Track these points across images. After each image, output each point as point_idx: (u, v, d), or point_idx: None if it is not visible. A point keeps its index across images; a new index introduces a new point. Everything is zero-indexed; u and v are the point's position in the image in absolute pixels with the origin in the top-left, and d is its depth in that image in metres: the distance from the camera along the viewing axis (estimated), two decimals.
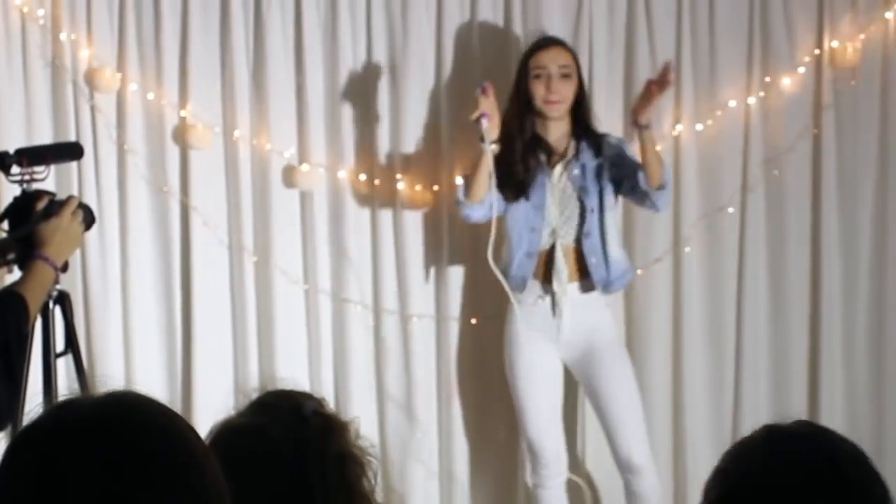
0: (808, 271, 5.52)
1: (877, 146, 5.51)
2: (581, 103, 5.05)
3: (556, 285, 4.95)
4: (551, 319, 4.98)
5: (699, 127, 5.44)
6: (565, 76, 5.00)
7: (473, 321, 5.45)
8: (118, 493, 1.37)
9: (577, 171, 4.99)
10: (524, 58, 5.06)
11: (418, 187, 5.41)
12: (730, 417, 5.53)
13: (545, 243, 4.99)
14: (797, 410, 5.48)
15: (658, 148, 4.98)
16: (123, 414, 1.43)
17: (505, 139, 4.93)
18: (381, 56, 5.39)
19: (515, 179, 4.96)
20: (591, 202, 4.97)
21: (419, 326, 5.45)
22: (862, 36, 5.45)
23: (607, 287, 4.99)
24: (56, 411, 1.43)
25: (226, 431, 2.22)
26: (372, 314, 5.45)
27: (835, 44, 5.44)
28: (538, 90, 4.98)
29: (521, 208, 4.99)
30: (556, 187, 4.99)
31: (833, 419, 5.44)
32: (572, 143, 5.02)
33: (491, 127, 4.87)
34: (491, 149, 4.88)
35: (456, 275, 5.46)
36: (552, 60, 5.00)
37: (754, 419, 5.35)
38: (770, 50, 5.45)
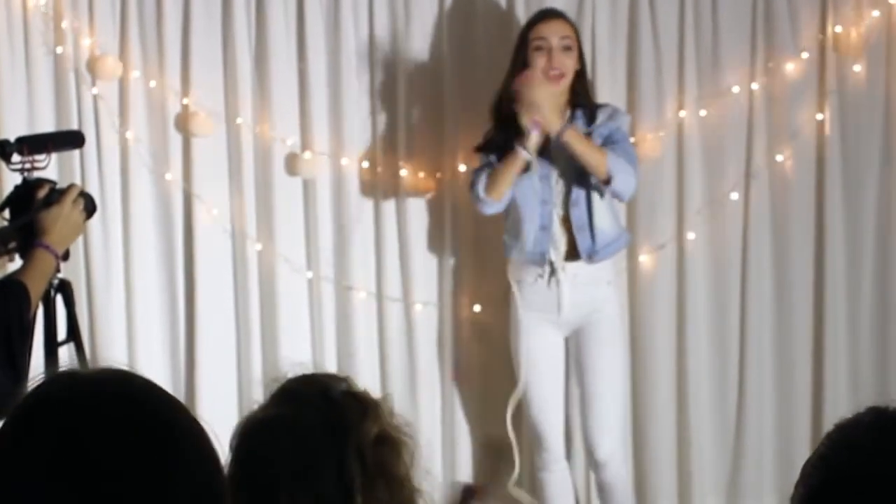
0: (812, 258, 5.51)
1: (881, 132, 5.50)
2: (581, 76, 5.00)
3: (553, 257, 4.92)
4: (552, 294, 4.94)
5: (703, 113, 5.43)
6: (566, 48, 4.94)
7: (477, 308, 5.44)
8: (142, 458, 1.37)
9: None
10: (524, 29, 5.00)
11: (421, 174, 5.40)
12: (734, 405, 5.52)
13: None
14: (801, 398, 5.48)
15: (580, 146, 4.80)
16: (129, 383, 1.43)
17: (506, 112, 4.87)
18: (383, 43, 5.38)
19: (509, 143, 4.86)
20: (579, 171, 4.87)
21: (422, 314, 5.44)
22: (866, 21, 5.44)
23: (591, 256, 4.90)
24: (63, 381, 1.42)
25: (253, 427, 2.14)
26: (375, 301, 5.44)
27: (839, 29, 5.42)
28: (539, 62, 4.90)
29: (527, 182, 4.91)
30: (556, 159, 4.92)
31: (836, 406, 5.43)
32: (568, 113, 4.96)
33: (536, 140, 4.79)
34: (529, 157, 4.81)
35: (459, 262, 5.45)
36: (554, 32, 4.94)
37: (758, 407, 5.43)
38: (774, 35, 5.43)
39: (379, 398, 2.19)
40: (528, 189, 4.91)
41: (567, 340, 5.04)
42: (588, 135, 4.89)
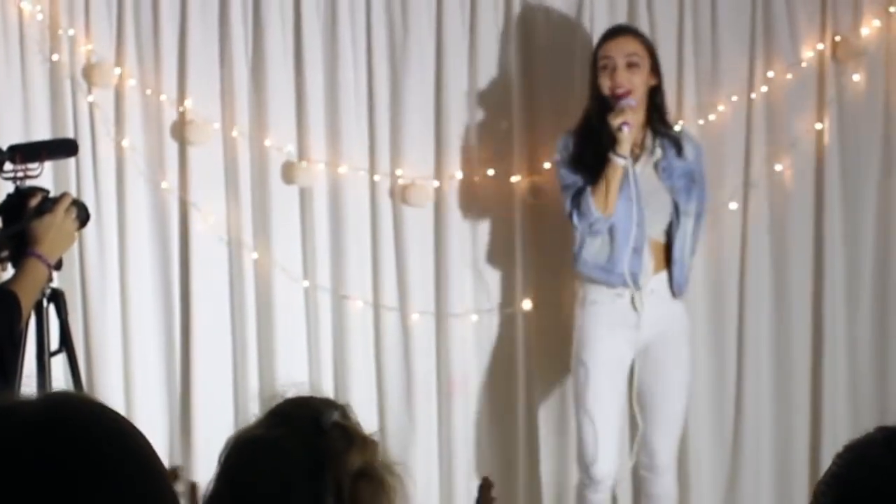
0: (811, 267, 5.49)
1: (880, 141, 5.48)
2: (656, 93, 4.95)
3: (642, 280, 4.88)
4: (631, 313, 4.91)
5: (701, 122, 5.41)
6: (631, 65, 4.88)
7: (474, 317, 5.42)
8: (61, 498, 1.33)
9: (665, 169, 4.91)
10: (595, 49, 4.98)
11: (418, 183, 5.38)
12: (731, 416, 5.50)
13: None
14: (800, 405, 5.47)
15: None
16: (64, 416, 1.39)
17: (588, 134, 4.85)
18: (381, 50, 5.36)
19: (599, 158, 4.82)
20: (683, 205, 4.91)
21: (419, 323, 5.42)
22: (865, 30, 5.42)
23: (681, 289, 4.96)
24: None
25: (240, 444, 2.14)
26: (372, 311, 5.42)
27: (838, 38, 5.41)
28: (604, 82, 4.87)
29: (623, 204, 4.86)
30: (641, 179, 4.89)
31: (835, 415, 5.42)
32: (650, 135, 4.93)
33: (629, 139, 4.76)
34: (623, 163, 4.78)
35: (456, 271, 5.43)
36: (618, 50, 4.88)
37: (756, 414, 5.41)
38: (773, 44, 5.42)
39: (370, 434, 2.16)
40: (623, 212, 4.86)
41: (636, 359, 5.00)
42: (689, 171, 4.92)
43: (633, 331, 4.91)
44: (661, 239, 4.96)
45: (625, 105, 4.78)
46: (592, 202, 4.82)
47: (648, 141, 4.94)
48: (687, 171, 4.95)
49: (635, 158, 4.91)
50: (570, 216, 4.88)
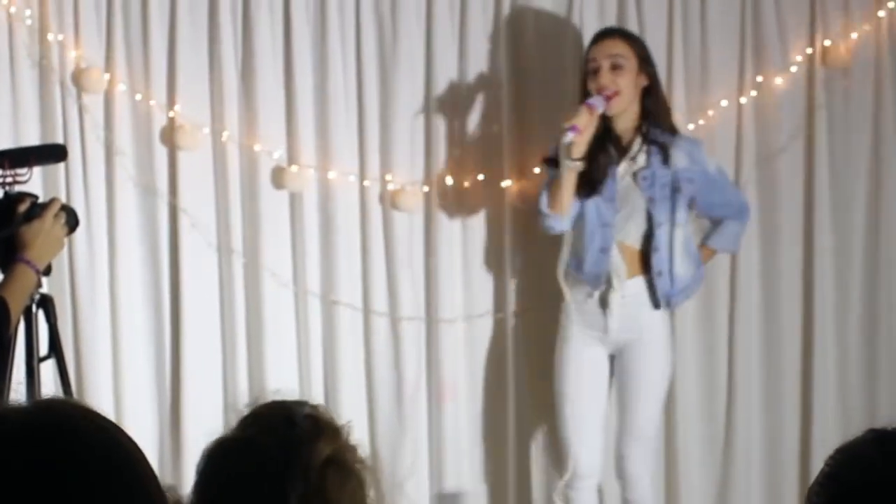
0: (801, 271, 5.49)
1: (869, 146, 5.48)
2: (648, 94, 4.94)
3: (614, 283, 4.89)
4: (600, 317, 4.92)
5: (691, 126, 5.41)
6: (615, 67, 4.88)
7: (463, 322, 5.42)
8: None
9: (645, 178, 4.90)
10: (584, 53, 5.01)
11: (408, 188, 5.38)
12: (722, 417, 5.50)
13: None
14: (790, 410, 5.47)
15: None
16: (55, 423, 1.39)
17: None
18: (370, 55, 5.36)
19: (588, 177, 4.85)
20: (661, 216, 4.89)
21: (409, 328, 5.42)
22: (854, 35, 5.43)
23: (669, 301, 4.94)
24: None
25: (214, 450, 2.15)
26: (362, 316, 5.42)
27: (827, 43, 5.41)
28: (590, 84, 4.88)
29: (592, 203, 4.89)
30: (620, 183, 4.91)
31: (825, 419, 5.43)
32: (638, 140, 4.93)
33: (578, 143, 4.75)
34: (573, 166, 4.78)
35: (446, 276, 5.43)
36: (602, 52, 4.90)
37: (746, 419, 5.41)
38: (762, 49, 5.42)
39: (341, 425, 2.17)
40: (594, 211, 4.89)
41: (612, 359, 5.00)
42: (675, 180, 4.89)
43: (600, 333, 4.92)
44: (636, 245, 4.94)
45: (583, 106, 4.78)
46: (544, 197, 4.88)
47: (636, 146, 4.93)
48: (673, 180, 4.91)
49: (621, 160, 4.91)
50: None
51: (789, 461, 5.46)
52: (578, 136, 4.74)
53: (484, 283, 5.37)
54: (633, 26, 5.37)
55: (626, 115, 4.92)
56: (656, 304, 4.93)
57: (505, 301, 5.39)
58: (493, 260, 5.39)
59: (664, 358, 5.02)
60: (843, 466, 1.69)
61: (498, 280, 5.38)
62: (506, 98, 5.36)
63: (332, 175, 5.35)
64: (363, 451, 2.17)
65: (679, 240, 4.92)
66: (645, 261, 4.93)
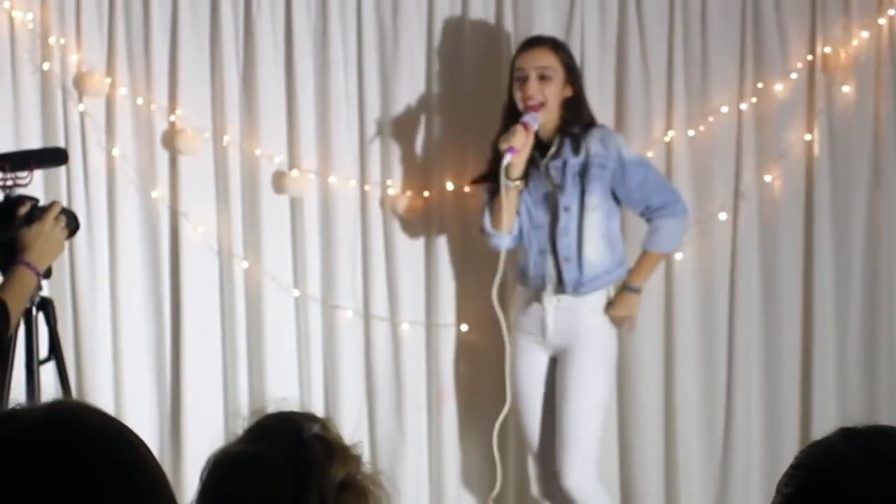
0: (801, 278, 5.50)
1: (870, 152, 5.49)
2: (571, 103, 4.95)
3: (546, 282, 4.92)
4: (538, 320, 4.94)
5: (691, 133, 5.42)
6: (543, 78, 4.91)
7: (464, 327, 5.42)
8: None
9: (556, 167, 4.91)
10: (512, 59, 5.03)
11: (408, 193, 5.39)
12: (721, 423, 5.51)
13: None
14: (789, 414, 5.47)
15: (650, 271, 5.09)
16: (65, 424, 1.40)
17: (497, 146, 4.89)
18: (371, 60, 5.37)
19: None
20: (566, 200, 4.87)
21: (409, 333, 5.42)
22: (855, 42, 5.44)
23: (577, 289, 4.88)
24: None
25: (223, 460, 2.14)
26: (362, 321, 5.42)
27: (827, 49, 5.42)
28: (516, 93, 4.93)
29: (523, 207, 4.93)
30: (540, 183, 4.94)
31: (825, 423, 5.41)
32: (557, 139, 4.94)
33: (516, 163, 4.79)
34: (513, 186, 4.82)
35: (446, 281, 5.43)
36: (530, 62, 4.92)
37: (746, 425, 5.41)
38: (762, 55, 5.43)
39: (351, 444, 2.16)
40: (525, 215, 4.93)
41: (553, 361, 5.01)
42: (583, 165, 4.86)
43: (539, 334, 4.94)
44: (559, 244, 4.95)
45: (519, 126, 4.79)
46: (487, 219, 4.93)
47: (555, 145, 4.93)
48: (583, 164, 4.88)
49: (545, 165, 4.91)
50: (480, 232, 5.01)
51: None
52: (516, 157, 4.79)
53: (484, 288, 5.37)
54: (633, 32, 5.38)
55: (548, 123, 4.93)
56: (563, 291, 4.90)
57: (506, 306, 5.38)
58: (493, 265, 5.39)
59: (601, 368, 4.93)
60: (813, 457, 1.73)
61: (499, 285, 5.38)
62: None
63: (332, 180, 5.36)
64: (371, 468, 2.17)
65: (591, 224, 4.87)
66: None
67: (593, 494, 4.90)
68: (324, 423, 2.16)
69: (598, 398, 4.93)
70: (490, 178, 4.96)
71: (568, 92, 4.96)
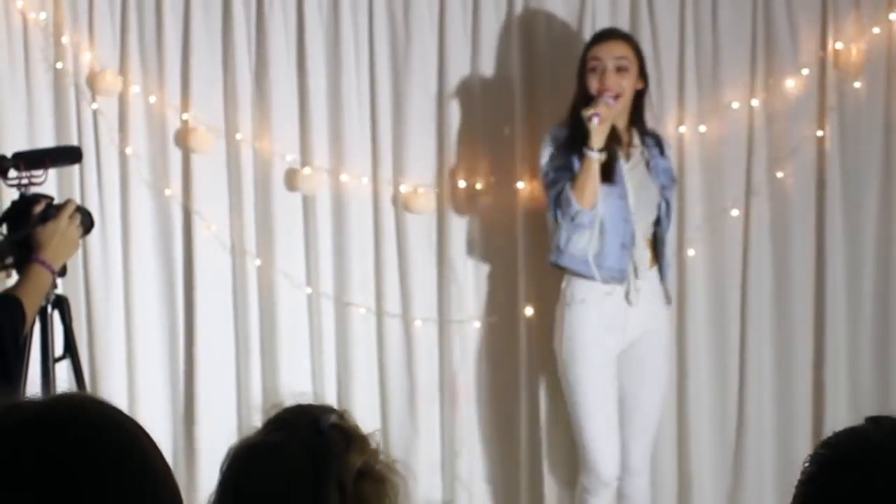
0: (813, 274, 5.50)
1: (881, 148, 5.49)
2: (641, 96, 5.02)
3: (638, 274, 4.95)
4: (621, 311, 4.94)
5: (702, 129, 5.42)
6: (620, 69, 4.94)
7: (477, 324, 5.43)
8: (59, 495, 1.35)
9: (653, 167, 5.01)
10: (584, 51, 5.03)
11: (421, 190, 5.40)
12: (734, 421, 5.51)
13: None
14: (802, 413, 5.47)
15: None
16: (69, 415, 1.41)
17: (573, 130, 4.90)
18: (383, 58, 5.38)
19: (601, 174, 4.87)
20: (668, 197, 5.04)
21: (422, 329, 5.43)
22: (866, 37, 5.43)
23: (668, 289, 5.08)
24: (2, 412, 1.41)
25: (242, 451, 2.17)
26: (375, 317, 5.43)
27: (839, 45, 5.42)
28: (591, 83, 4.93)
29: (609, 199, 4.91)
30: (632, 176, 4.96)
31: (837, 421, 5.41)
32: (636, 134, 5.01)
33: (599, 131, 4.80)
34: (597, 157, 4.83)
35: (459, 277, 5.44)
36: (608, 52, 4.95)
37: (758, 423, 5.41)
38: (774, 52, 5.43)
39: (368, 433, 2.18)
40: (613, 207, 4.91)
41: (620, 356, 5.01)
42: (668, 169, 5.06)
43: (621, 330, 4.95)
44: (650, 236, 5.02)
45: (601, 101, 4.85)
46: (573, 195, 4.86)
47: (636, 140, 5.00)
48: (667, 169, 5.08)
49: (626, 157, 4.98)
50: (554, 212, 4.93)
51: (801, 461, 5.45)
52: (602, 125, 4.80)
53: (497, 284, 5.38)
54: (645, 29, 5.39)
55: (622, 115, 4.99)
56: (668, 299, 5.05)
57: (518, 302, 5.39)
58: (506, 261, 5.40)
59: (669, 355, 5.16)
60: (837, 437, 1.78)
61: (511, 281, 5.39)
62: (518, 100, 5.37)
63: (344, 177, 5.37)
64: (389, 456, 2.19)
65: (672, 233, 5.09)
66: (655, 252, 5.03)
67: (647, 485, 5.11)
68: (341, 414, 2.18)
69: (666, 386, 5.15)
70: (559, 163, 4.94)
71: (640, 84, 5.02)
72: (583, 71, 4.98)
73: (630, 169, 4.98)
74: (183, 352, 5.36)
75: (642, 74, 5.03)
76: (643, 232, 4.99)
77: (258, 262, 5.35)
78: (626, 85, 4.95)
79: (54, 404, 1.41)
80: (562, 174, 4.92)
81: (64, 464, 1.35)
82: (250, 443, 2.17)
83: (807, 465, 1.76)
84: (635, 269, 4.95)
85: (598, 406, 4.94)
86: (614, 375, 5.00)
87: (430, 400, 5.45)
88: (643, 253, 4.98)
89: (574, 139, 4.88)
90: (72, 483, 1.35)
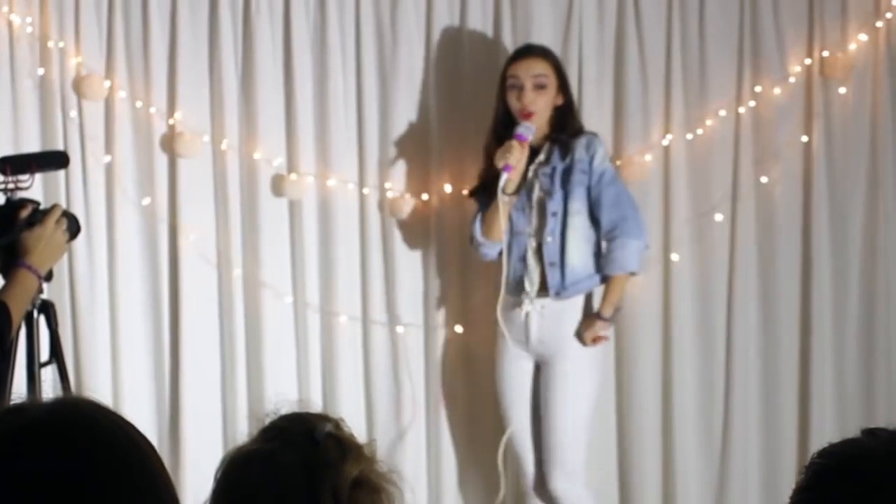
0: (799, 281, 5.51)
1: (867, 155, 5.50)
2: (562, 111, 4.99)
3: (527, 287, 4.92)
4: (521, 325, 4.94)
5: (689, 136, 5.43)
6: (539, 87, 4.94)
7: (458, 329, 5.42)
8: (62, 499, 1.34)
9: (545, 173, 4.94)
10: (504, 66, 5.05)
11: (407, 196, 5.39)
12: (719, 426, 5.51)
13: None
14: (787, 417, 5.48)
15: (618, 297, 4.97)
16: (71, 419, 1.40)
17: (493, 145, 4.94)
18: (370, 64, 5.38)
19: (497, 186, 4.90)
20: (554, 206, 4.91)
21: (407, 336, 5.42)
22: (852, 45, 5.45)
23: (559, 293, 4.91)
24: (5, 416, 1.40)
25: (236, 459, 2.16)
26: (360, 325, 5.42)
27: (825, 53, 5.43)
28: (511, 101, 4.95)
29: (513, 214, 4.96)
30: (533, 191, 4.95)
31: (823, 426, 5.43)
32: (546, 146, 4.97)
33: (512, 179, 4.85)
34: (509, 200, 4.86)
35: (445, 284, 5.44)
36: (526, 70, 4.95)
37: (744, 427, 5.42)
38: (760, 59, 5.44)
39: (363, 443, 2.18)
40: (510, 223, 4.95)
41: (537, 368, 5.01)
42: (567, 169, 4.90)
43: (524, 342, 4.94)
44: (536, 247, 4.98)
45: (513, 141, 4.82)
46: (478, 228, 4.98)
47: (544, 151, 4.96)
48: (566, 169, 4.92)
49: (529, 164, 4.94)
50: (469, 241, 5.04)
51: (787, 468, 5.46)
52: (513, 174, 4.84)
53: (482, 290, 5.37)
54: (632, 37, 5.39)
55: (538, 130, 4.96)
56: (545, 296, 4.92)
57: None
58: (492, 268, 5.39)
59: (587, 375, 4.95)
60: (833, 447, 1.79)
61: (495, 288, 5.38)
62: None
63: (331, 183, 5.36)
64: (386, 465, 2.18)
65: (574, 227, 4.91)
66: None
67: (580, 500, 4.94)
68: (337, 423, 2.18)
69: (583, 405, 4.94)
70: (483, 190, 5.00)
71: (559, 100, 5.00)
72: (502, 88, 4.98)
73: (530, 179, 4.94)
74: (168, 357, 5.35)
75: (563, 90, 5.00)
76: (534, 246, 4.95)
77: (243, 268, 5.34)
78: (542, 104, 4.93)
79: (55, 409, 1.41)
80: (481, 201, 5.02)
81: (64, 469, 1.35)
82: (245, 451, 2.16)
83: (804, 472, 1.77)
84: (527, 283, 4.93)
85: (512, 412, 5.01)
86: (528, 383, 4.98)
87: (415, 407, 5.44)
88: (532, 267, 4.94)
89: (487, 172, 4.95)
90: (71, 488, 1.34)
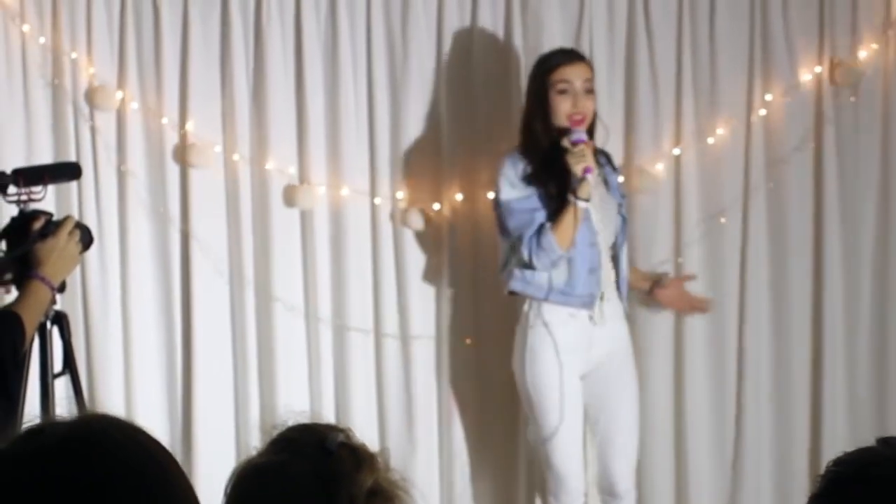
0: (810, 287, 5.51)
1: (878, 162, 5.50)
2: (595, 117, 5.01)
3: (605, 294, 4.92)
4: (585, 333, 4.90)
5: (700, 145, 5.43)
6: (588, 91, 4.90)
7: (468, 341, 5.42)
8: None
9: (611, 181, 5.02)
10: (545, 69, 4.93)
11: (419, 205, 5.39)
12: (732, 429, 5.51)
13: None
14: (799, 422, 5.48)
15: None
16: (88, 440, 1.41)
17: (545, 160, 4.84)
18: (381, 74, 5.38)
19: (562, 195, 4.80)
20: (624, 214, 5.03)
21: (419, 348, 5.42)
22: (863, 53, 5.45)
23: (623, 299, 5.03)
24: (26, 437, 1.41)
25: (246, 472, 2.14)
26: (372, 335, 5.42)
27: (836, 61, 5.43)
28: (563, 106, 4.85)
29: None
30: (595, 197, 4.89)
31: (835, 432, 5.43)
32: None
33: (592, 181, 4.77)
34: (584, 205, 4.78)
35: (457, 293, 5.43)
36: (578, 75, 4.89)
37: (756, 431, 5.42)
38: (771, 67, 5.44)
39: (376, 451, 2.16)
40: (580, 232, 4.84)
41: (584, 378, 4.98)
42: (620, 186, 5.10)
43: (584, 351, 4.91)
44: (610, 256, 5.02)
45: (580, 145, 4.74)
46: (554, 240, 4.80)
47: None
48: (620, 185, 5.11)
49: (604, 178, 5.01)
50: (528, 250, 4.83)
51: (799, 472, 5.46)
52: (592, 177, 4.77)
53: (495, 301, 5.37)
54: (642, 45, 5.40)
55: (589, 148, 4.88)
56: (626, 316, 5.04)
57: (518, 319, 5.38)
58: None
59: (635, 374, 5.09)
60: (848, 455, 1.83)
61: (509, 298, 5.39)
62: (515, 118, 5.37)
63: (343, 192, 5.37)
64: (399, 473, 2.17)
65: (625, 248, 5.05)
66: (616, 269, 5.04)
67: (633, 497, 5.05)
68: (347, 433, 2.17)
69: (639, 403, 5.10)
70: (547, 200, 4.85)
71: (594, 107, 4.99)
72: (544, 92, 4.89)
73: (593, 188, 4.91)
74: (181, 368, 5.35)
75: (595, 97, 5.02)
76: (606, 253, 4.97)
77: (255, 279, 5.34)
78: (591, 108, 4.91)
79: (74, 429, 1.41)
80: (531, 214, 4.85)
81: (84, 490, 1.35)
82: (254, 463, 2.14)
83: (820, 478, 1.79)
84: (602, 293, 4.93)
85: (565, 424, 4.88)
86: (578, 395, 4.95)
87: (428, 418, 5.42)
88: (609, 274, 4.96)
89: (543, 172, 4.84)
90: None
